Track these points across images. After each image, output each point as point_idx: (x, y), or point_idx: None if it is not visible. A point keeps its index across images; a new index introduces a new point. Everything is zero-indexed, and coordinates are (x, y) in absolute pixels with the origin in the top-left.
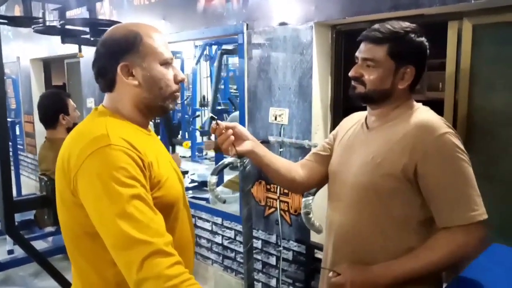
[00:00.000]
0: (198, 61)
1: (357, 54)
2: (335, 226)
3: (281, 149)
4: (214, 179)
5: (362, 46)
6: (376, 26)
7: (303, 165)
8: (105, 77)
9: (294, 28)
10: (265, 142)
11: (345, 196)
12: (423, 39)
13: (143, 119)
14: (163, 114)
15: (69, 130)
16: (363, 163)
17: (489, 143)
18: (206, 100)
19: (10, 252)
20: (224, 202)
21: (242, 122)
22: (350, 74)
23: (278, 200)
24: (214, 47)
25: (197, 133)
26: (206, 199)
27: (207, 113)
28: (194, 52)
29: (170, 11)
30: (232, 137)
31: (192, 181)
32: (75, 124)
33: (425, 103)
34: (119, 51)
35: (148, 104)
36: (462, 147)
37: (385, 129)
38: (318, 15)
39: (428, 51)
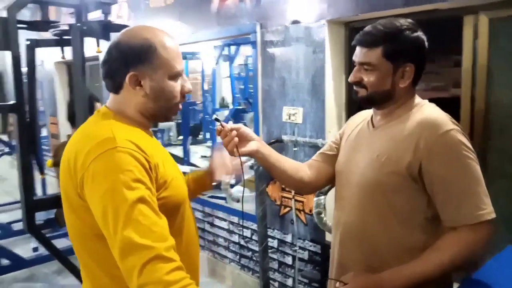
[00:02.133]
0: (217, 62)
1: (353, 58)
2: (341, 224)
3: (295, 148)
4: (228, 178)
5: (357, 50)
6: (368, 28)
7: (310, 165)
8: (113, 80)
9: (307, 26)
10: (279, 141)
11: (350, 194)
12: (418, 33)
13: (146, 122)
14: (164, 121)
15: None
16: (368, 161)
17: (506, 139)
18: (225, 101)
19: (35, 249)
20: (238, 201)
21: (256, 121)
22: (350, 79)
23: (293, 200)
24: (233, 47)
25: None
26: (224, 198)
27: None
28: (214, 53)
29: (185, 12)
30: (236, 139)
31: None
32: None
33: (449, 100)
34: (131, 59)
35: (152, 113)
36: (468, 144)
37: (390, 127)
38: (331, 13)
39: (426, 43)
